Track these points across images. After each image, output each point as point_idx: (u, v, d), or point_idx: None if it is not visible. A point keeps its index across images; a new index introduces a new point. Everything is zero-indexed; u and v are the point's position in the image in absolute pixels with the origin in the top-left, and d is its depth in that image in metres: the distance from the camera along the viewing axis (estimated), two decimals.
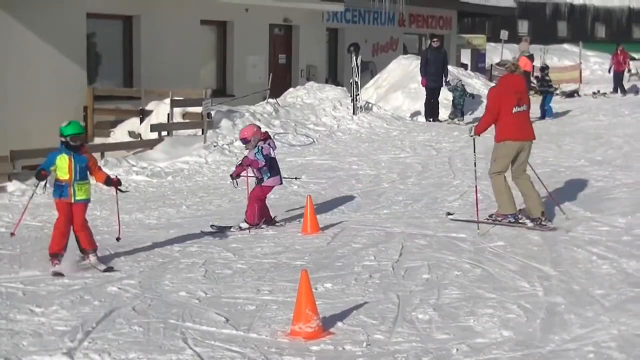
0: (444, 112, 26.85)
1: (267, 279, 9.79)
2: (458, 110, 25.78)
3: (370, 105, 26.27)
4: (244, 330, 7.93)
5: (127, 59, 25.95)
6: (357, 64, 25.92)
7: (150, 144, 20.09)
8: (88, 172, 10.54)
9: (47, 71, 22.29)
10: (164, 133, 20.89)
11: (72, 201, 10.36)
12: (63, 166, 10.31)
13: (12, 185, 16.31)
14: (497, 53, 40.35)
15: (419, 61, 27.28)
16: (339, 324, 8.03)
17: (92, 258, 10.45)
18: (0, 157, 17.32)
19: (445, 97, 27.57)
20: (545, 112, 26.48)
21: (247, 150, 12.89)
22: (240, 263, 10.56)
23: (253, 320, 8.21)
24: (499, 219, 12.29)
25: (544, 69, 29.09)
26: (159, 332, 7.89)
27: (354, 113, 25.11)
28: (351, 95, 25.60)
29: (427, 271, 9.92)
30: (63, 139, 10.29)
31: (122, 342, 7.60)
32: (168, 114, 21.29)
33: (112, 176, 11.05)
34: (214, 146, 20.17)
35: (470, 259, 10.41)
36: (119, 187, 11.04)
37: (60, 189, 10.37)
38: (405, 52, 37.39)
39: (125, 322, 8.17)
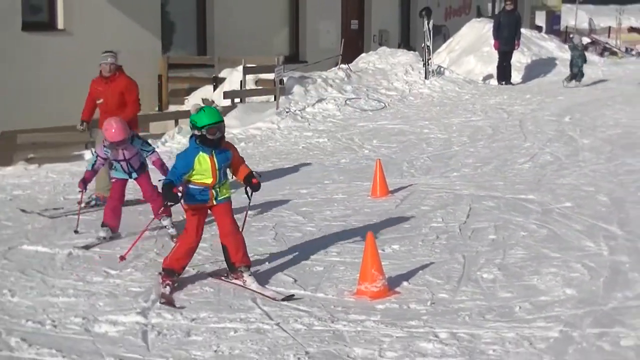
0: (515, 75, 26.70)
1: (335, 241, 9.98)
2: (576, 69, 24.86)
3: (442, 69, 26.22)
4: (312, 290, 8.14)
5: (201, 27, 26.19)
6: (429, 28, 25.85)
7: (224, 111, 20.34)
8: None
9: (122, 41, 22.54)
10: (237, 100, 21.15)
11: (214, 203, 8.38)
12: (205, 169, 8.15)
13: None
14: (572, 15, 39.79)
15: (492, 24, 27.09)
16: (405, 283, 8.20)
17: (247, 279, 8.35)
18: None
19: (518, 60, 27.40)
20: None
21: (113, 151, 10.27)
22: (310, 226, 10.76)
23: (320, 281, 8.42)
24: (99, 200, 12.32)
25: None
26: (228, 293, 8.14)
27: (425, 77, 25.10)
28: (423, 60, 25.58)
29: (494, 232, 10.02)
30: (197, 132, 8.07)
31: (193, 302, 7.87)
32: (241, 81, 21.54)
33: (255, 174, 8.51)
34: (286, 112, 20.35)
35: (537, 220, 10.47)
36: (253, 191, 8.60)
37: (195, 193, 8.29)
38: (479, 15, 37.09)
39: (196, 283, 8.44)
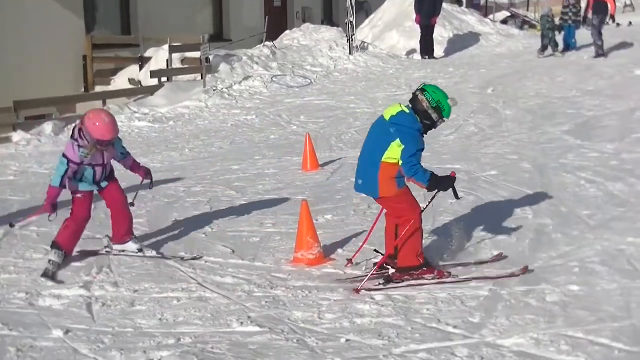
0: (438, 49, 27.08)
1: (270, 214, 10.22)
2: (548, 41, 25.11)
3: (366, 44, 26.51)
4: (250, 260, 8.38)
5: (124, 6, 26.06)
6: (352, 4, 26.05)
7: (151, 91, 20.41)
8: None
9: (45, 21, 22.38)
10: (164, 79, 21.20)
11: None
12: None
13: (17, 135, 16.71)
14: None
15: None
16: (339, 250, 8.51)
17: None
18: (4, 108, 17.64)
19: (440, 34, 27.79)
20: (569, 45, 25.80)
21: (93, 153, 8.13)
22: (244, 200, 10.99)
23: (258, 251, 8.67)
24: None
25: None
26: (169, 265, 8.32)
27: (350, 53, 25.36)
28: (347, 36, 25.83)
29: (423, 200, 10.30)
30: (435, 117, 7.47)
31: (135, 275, 8.05)
32: (167, 60, 21.58)
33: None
34: (214, 90, 20.48)
35: (464, 188, 10.80)
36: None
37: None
38: None
39: (137, 257, 8.60)
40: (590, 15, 23.69)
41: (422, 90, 7.46)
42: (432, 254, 8.23)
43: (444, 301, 6.89)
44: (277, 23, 29.57)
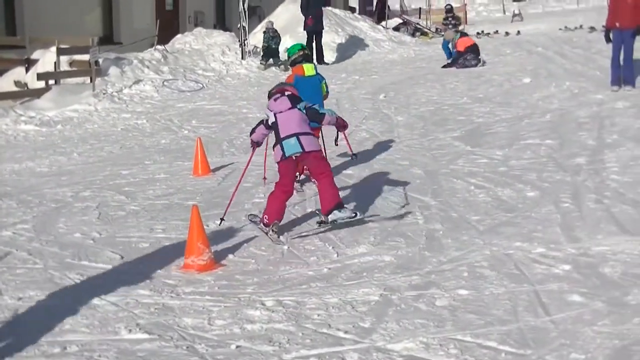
0: (330, 55, 27.19)
1: (160, 219, 10.09)
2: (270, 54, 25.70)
3: (258, 49, 26.47)
4: (139, 266, 8.22)
5: (9, 6, 25.50)
6: (244, 9, 26.05)
7: (38, 93, 20.01)
8: None
9: None
10: (52, 82, 20.81)
11: None
12: None
13: None
14: None
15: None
16: (230, 256, 8.42)
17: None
18: None
19: (332, 39, 27.92)
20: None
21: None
22: (134, 205, 10.82)
23: (147, 257, 8.52)
24: None
25: (449, 10, 28.94)
26: (55, 271, 8.12)
27: (242, 58, 25.32)
28: (239, 40, 25.77)
29: (314, 205, 10.33)
30: None
31: (19, 282, 7.82)
32: (55, 63, 21.18)
33: None
34: (103, 94, 20.20)
35: (354, 193, 10.85)
36: None
37: None
38: None
39: (21, 263, 8.39)
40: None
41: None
42: (322, 258, 8.22)
43: (334, 306, 6.86)
44: (168, 26, 29.37)
